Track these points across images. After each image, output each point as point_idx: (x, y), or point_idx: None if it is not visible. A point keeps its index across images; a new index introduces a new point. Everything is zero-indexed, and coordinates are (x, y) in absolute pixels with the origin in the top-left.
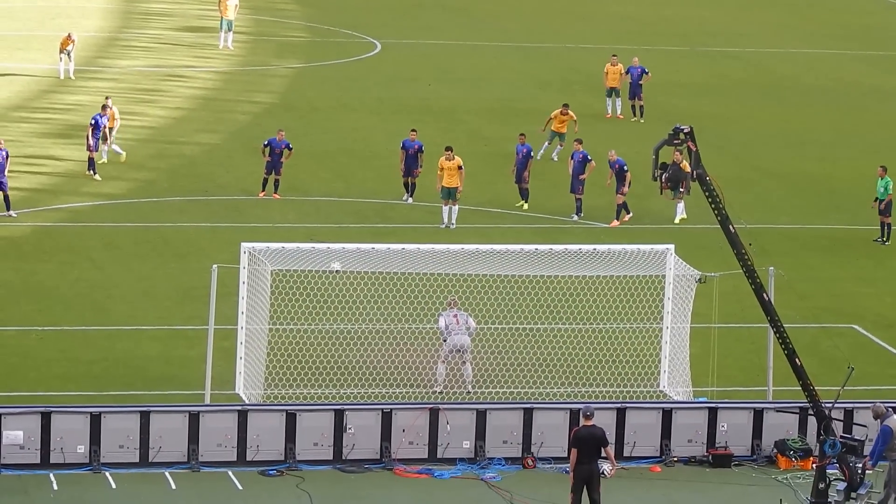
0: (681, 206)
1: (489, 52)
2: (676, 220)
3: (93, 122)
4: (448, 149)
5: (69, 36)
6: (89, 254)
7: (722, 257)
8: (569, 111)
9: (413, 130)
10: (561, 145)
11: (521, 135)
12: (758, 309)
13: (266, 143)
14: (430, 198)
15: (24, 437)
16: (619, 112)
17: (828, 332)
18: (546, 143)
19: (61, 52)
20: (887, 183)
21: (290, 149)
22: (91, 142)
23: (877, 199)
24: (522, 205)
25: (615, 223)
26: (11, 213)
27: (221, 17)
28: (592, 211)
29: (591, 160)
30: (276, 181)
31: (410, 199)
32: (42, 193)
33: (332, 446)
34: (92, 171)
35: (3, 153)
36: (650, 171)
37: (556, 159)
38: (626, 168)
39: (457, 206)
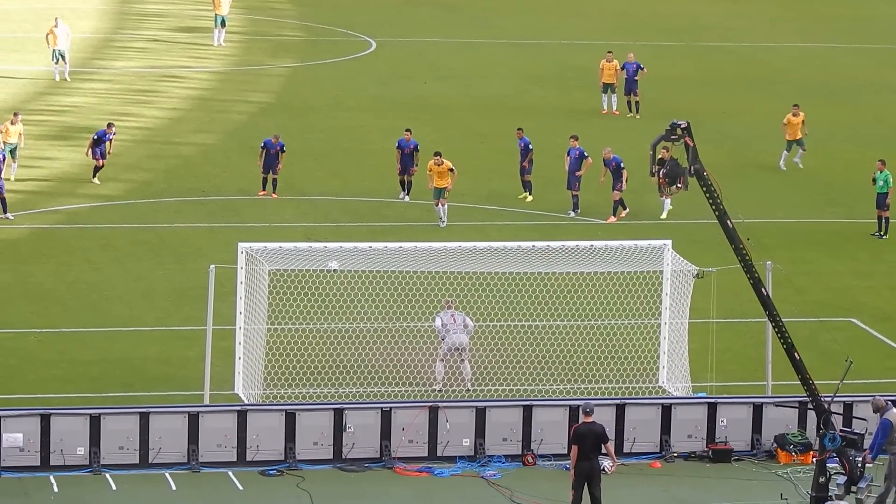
0: (667, 201)
1: (483, 49)
2: (663, 216)
3: (96, 136)
4: (437, 154)
5: (56, 23)
6: (87, 255)
7: (719, 252)
8: (799, 112)
9: (408, 130)
10: (803, 150)
11: (519, 129)
12: (756, 303)
13: (262, 144)
14: (427, 196)
15: (23, 440)
16: (614, 108)
17: (826, 326)
18: (784, 153)
19: (53, 51)
20: (887, 176)
21: (283, 151)
22: (94, 152)
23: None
24: (525, 196)
25: (612, 219)
26: (9, 215)
27: (215, 14)
28: (589, 207)
29: (587, 157)
30: (274, 181)
31: (407, 197)
32: (39, 195)
33: (331, 445)
34: (94, 179)
35: (0, 155)
36: (647, 167)
37: (800, 165)
38: (622, 165)
39: (446, 204)
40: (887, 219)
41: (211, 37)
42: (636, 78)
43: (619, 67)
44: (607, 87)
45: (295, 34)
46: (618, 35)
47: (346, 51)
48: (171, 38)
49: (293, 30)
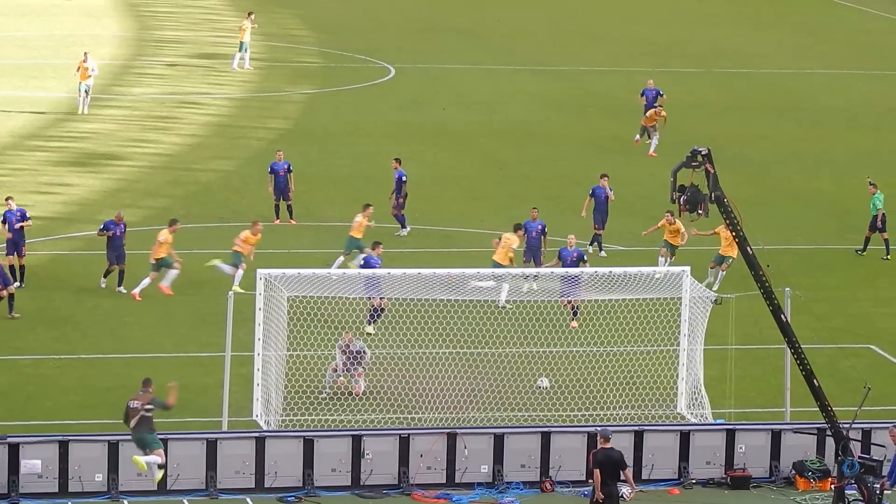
0: (662, 260)
1: (503, 76)
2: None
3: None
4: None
5: (85, 58)
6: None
7: (737, 278)
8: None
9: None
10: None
11: (534, 208)
12: (774, 330)
13: (269, 169)
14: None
15: (42, 466)
16: (651, 150)
17: (845, 353)
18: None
19: (80, 84)
20: (876, 199)
21: (290, 170)
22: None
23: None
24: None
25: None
26: (121, 289)
27: (240, 41)
28: (609, 235)
29: (612, 197)
30: (289, 207)
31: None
32: (57, 222)
33: (349, 472)
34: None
35: (122, 226)
36: (667, 193)
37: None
38: (585, 258)
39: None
40: (887, 240)
41: (230, 62)
42: (656, 104)
43: (639, 95)
44: (644, 130)
45: (314, 60)
46: (638, 61)
47: (365, 77)
48: (189, 65)
49: (312, 56)
